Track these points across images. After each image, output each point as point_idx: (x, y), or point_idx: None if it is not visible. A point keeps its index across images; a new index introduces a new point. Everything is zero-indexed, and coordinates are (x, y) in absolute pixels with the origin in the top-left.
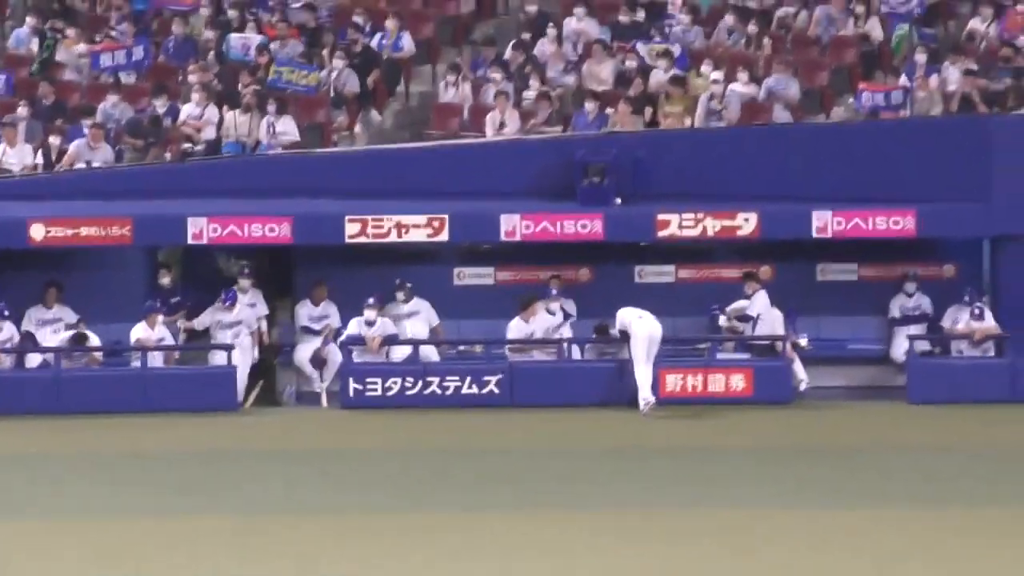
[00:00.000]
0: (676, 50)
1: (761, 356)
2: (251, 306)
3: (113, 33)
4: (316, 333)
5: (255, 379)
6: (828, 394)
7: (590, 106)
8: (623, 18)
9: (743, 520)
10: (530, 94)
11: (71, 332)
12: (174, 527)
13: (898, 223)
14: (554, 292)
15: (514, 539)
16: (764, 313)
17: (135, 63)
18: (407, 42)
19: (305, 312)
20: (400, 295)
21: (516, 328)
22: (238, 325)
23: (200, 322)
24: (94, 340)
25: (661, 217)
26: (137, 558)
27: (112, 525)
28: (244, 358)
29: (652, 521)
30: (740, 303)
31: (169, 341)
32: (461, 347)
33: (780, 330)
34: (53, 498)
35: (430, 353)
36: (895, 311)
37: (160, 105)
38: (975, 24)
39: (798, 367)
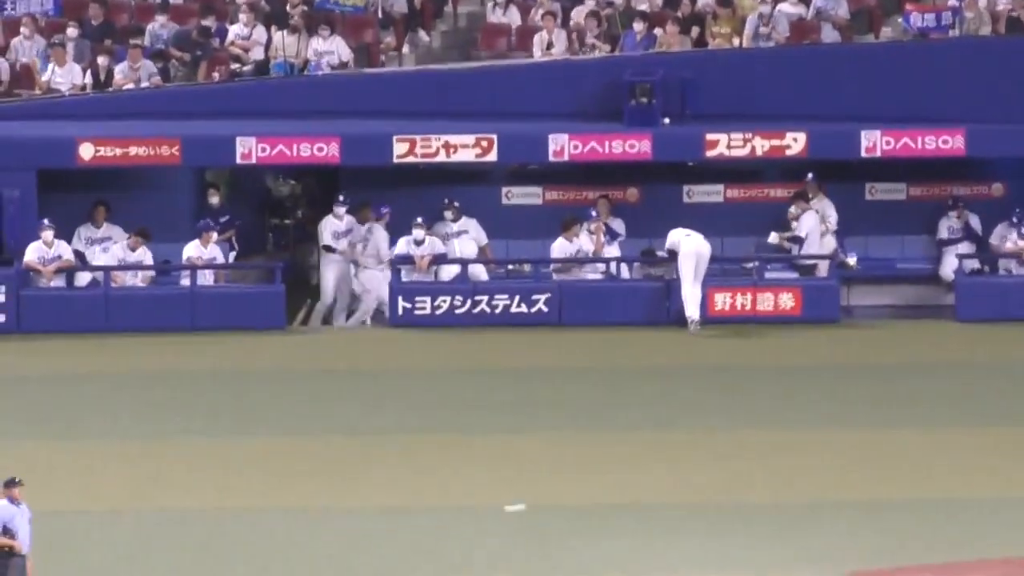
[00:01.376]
0: None
1: (807, 276)
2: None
3: None
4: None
5: (305, 299)
6: (877, 313)
7: (638, 26)
8: None
9: (786, 439)
10: (578, 14)
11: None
12: (214, 448)
13: (947, 142)
14: (594, 214)
15: (554, 459)
16: (812, 233)
17: None
18: None
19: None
20: (448, 214)
21: (560, 248)
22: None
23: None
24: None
25: (709, 137)
26: (176, 478)
27: (153, 445)
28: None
29: (694, 440)
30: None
31: (220, 260)
32: (510, 266)
33: (818, 248)
34: (97, 418)
35: (479, 272)
36: (943, 232)
37: (208, 24)
38: None
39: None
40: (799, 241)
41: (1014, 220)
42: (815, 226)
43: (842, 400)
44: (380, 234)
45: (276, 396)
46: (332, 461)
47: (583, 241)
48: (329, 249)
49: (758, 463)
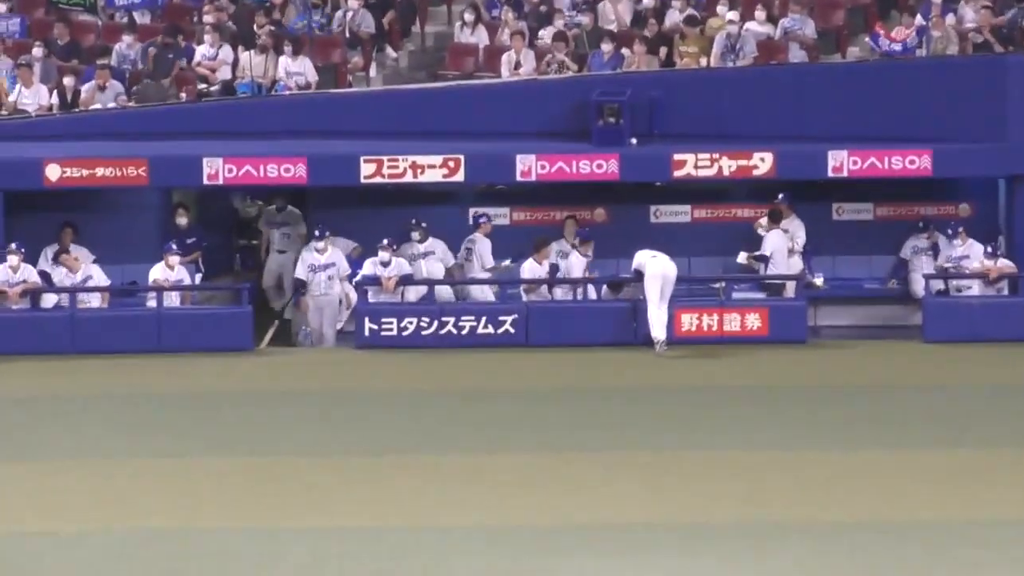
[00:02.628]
0: None
1: (774, 295)
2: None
3: None
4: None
5: (272, 320)
6: (844, 333)
7: (606, 47)
8: None
9: (753, 461)
10: (546, 34)
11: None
12: (182, 468)
13: (914, 162)
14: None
15: (522, 479)
16: (778, 253)
17: (149, 1)
18: None
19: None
20: (415, 235)
21: (530, 269)
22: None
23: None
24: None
25: (677, 157)
26: (144, 499)
27: (121, 466)
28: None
29: (663, 461)
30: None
31: (187, 282)
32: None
33: (785, 268)
34: (64, 439)
35: (445, 293)
36: (907, 251)
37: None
38: None
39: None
40: (765, 260)
41: (949, 232)
42: (781, 245)
43: (810, 421)
44: (483, 244)
45: (243, 417)
46: (299, 482)
47: (573, 262)
48: (301, 284)
49: (727, 484)
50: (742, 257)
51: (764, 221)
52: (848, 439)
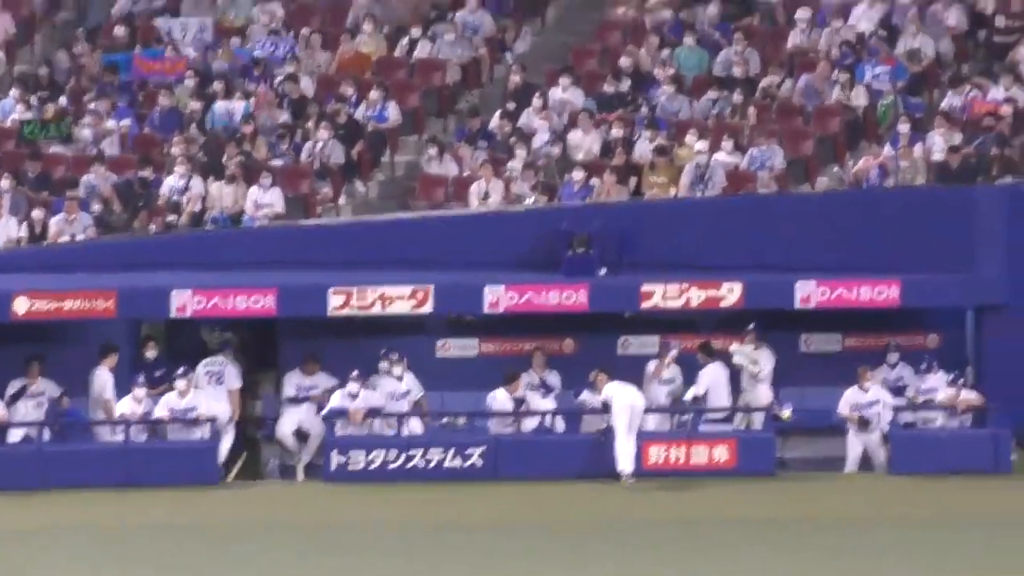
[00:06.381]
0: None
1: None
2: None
3: (92, 106)
4: (301, 402)
5: (238, 452)
6: (812, 465)
7: (576, 175)
8: (608, 88)
9: None
10: (515, 164)
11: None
12: None
13: (882, 293)
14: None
15: None
16: (712, 387)
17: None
18: (392, 112)
19: (295, 381)
20: (395, 370)
21: (501, 400)
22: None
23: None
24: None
25: (645, 288)
26: None
27: None
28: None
29: None
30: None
31: (155, 415)
32: (444, 420)
33: (726, 400)
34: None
35: (414, 426)
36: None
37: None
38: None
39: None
40: (699, 399)
41: (923, 367)
42: (716, 379)
43: (779, 553)
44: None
45: (208, 551)
46: None
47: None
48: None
49: None
50: (689, 394)
51: (739, 348)
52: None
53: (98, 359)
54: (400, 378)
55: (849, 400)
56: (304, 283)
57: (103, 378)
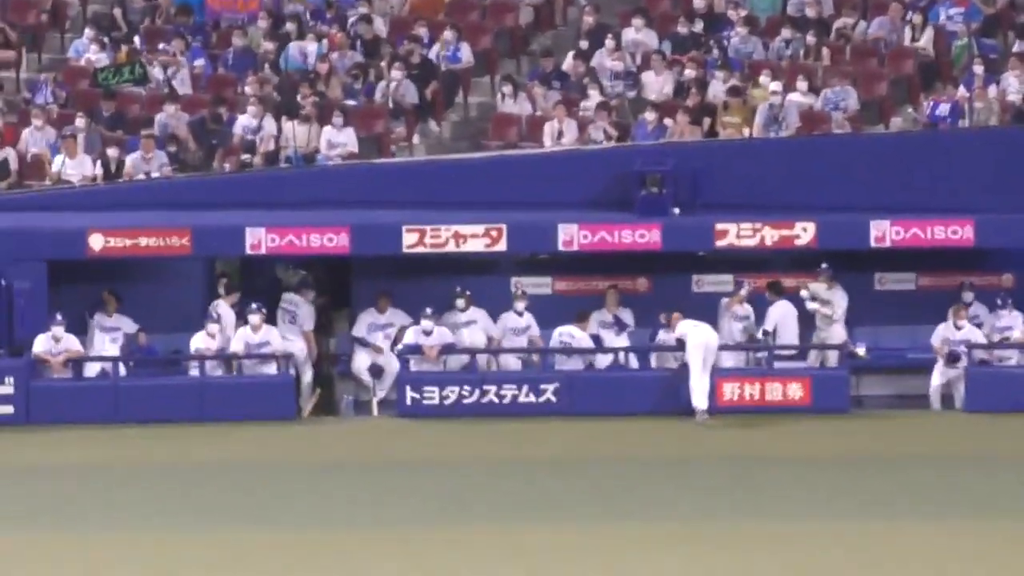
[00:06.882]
0: None
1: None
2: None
3: (164, 46)
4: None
5: (314, 388)
6: (887, 403)
7: (649, 116)
8: (681, 29)
9: (793, 533)
10: (588, 104)
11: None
12: (222, 541)
13: (956, 233)
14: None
15: (564, 549)
16: (780, 324)
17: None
18: (465, 53)
19: (369, 320)
20: (460, 303)
21: (579, 337)
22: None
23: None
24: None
25: (719, 227)
26: (187, 572)
27: (163, 538)
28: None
29: (699, 532)
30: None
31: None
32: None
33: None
34: (105, 511)
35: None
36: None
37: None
38: None
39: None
40: (767, 334)
41: (999, 303)
42: (785, 317)
43: (851, 492)
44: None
45: (284, 488)
46: (338, 554)
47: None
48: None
49: (767, 555)
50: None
51: (811, 286)
52: (890, 510)
53: (222, 295)
54: (521, 313)
55: (941, 335)
56: (378, 221)
57: (225, 314)
